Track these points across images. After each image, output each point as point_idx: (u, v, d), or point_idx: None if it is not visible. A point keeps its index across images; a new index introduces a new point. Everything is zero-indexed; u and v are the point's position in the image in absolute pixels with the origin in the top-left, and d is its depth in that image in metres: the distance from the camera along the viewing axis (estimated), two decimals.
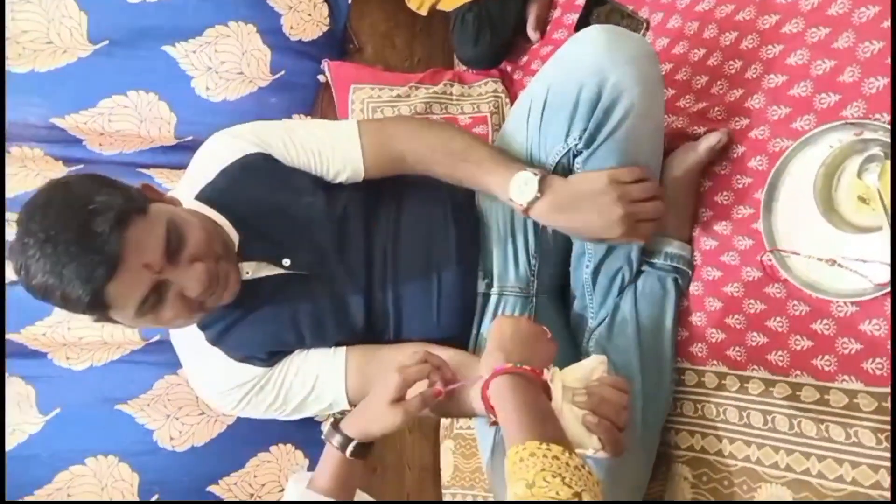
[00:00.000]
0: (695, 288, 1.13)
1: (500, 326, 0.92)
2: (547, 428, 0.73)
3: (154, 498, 1.37)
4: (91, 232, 0.86)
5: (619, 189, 1.02)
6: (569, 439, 0.82)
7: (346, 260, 1.11)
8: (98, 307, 0.91)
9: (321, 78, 1.67)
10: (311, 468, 1.51)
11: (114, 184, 0.96)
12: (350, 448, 0.90)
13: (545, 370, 0.87)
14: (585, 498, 0.60)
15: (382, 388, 0.92)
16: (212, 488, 1.42)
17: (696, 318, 1.12)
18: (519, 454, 0.66)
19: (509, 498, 0.63)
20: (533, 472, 0.63)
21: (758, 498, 1.02)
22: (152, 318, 0.96)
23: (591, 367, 0.90)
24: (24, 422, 1.31)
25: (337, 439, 0.91)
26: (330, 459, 0.92)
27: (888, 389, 0.89)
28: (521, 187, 1.04)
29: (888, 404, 0.88)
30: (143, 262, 0.90)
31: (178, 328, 1.10)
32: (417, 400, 0.90)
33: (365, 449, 0.92)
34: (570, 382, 0.87)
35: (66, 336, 1.37)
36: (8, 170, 1.37)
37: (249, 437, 1.46)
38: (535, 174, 1.03)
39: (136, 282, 0.91)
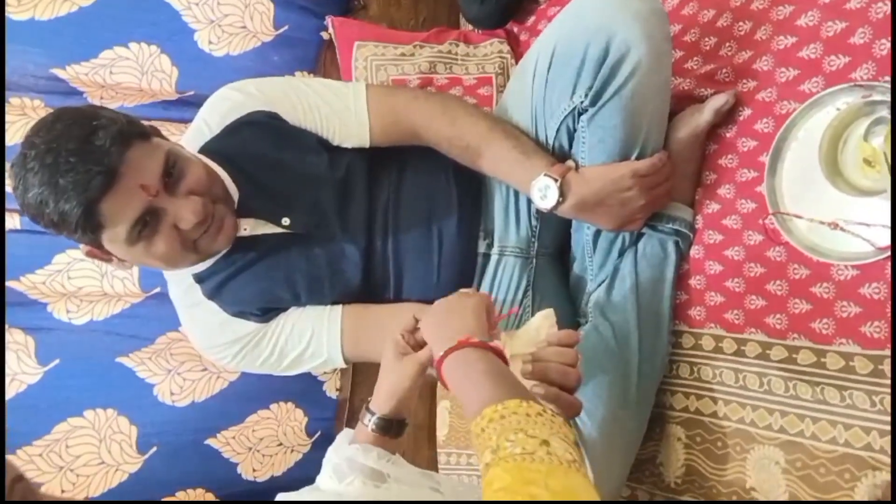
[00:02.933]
0: (695, 251, 1.13)
1: (430, 313, 0.90)
2: (497, 387, 0.70)
3: (153, 451, 1.38)
4: (92, 144, 0.88)
5: (640, 181, 1.04)
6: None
7: (347, 220, 1.11)
8: (90, 224, 0.90)
9: (324, 35, 1.65)
10: (311, 427, 1.53)
11: (124, 114, 0.97)
12: (374, 420, 0.86)
13: (494, 343, 0.83)
14: (554, 442, 0.58)
15: (386, 351, 0.91)
16: (210, 441, 1.43)
17: (696, 282, 1.12)
18: (479, 425, 0.63)
19: (480, 467, 0.60)
20: (495, 436, 0.60)
21: (750, 459, 1.03)
22: (143, 247, 0.96)
23: (537, 325, 0.88)
24: (23, 371, 1.32)
25: (367, 418, 0.88)
26: (362, 440, 0.88)
27: (885, 352, 0.89)
28: (542, 192, 1.05)
29: (884, 367, 0.89)
30: (139, 181, 0.91)
31: (171, 271, 1.10)
32: (427, 349, 0.88)
33: (399, 427, 0.88)
34: (519, 348, 0.86)
35: (65, 285, 1.37)
36: (7, 117, 1.36)
37: (251, 394, 1.47)
38: (556, 179, 1.04)
39: (131, 201, 0.91)
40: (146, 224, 0.94)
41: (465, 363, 0.77)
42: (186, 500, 1.41)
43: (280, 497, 0.81)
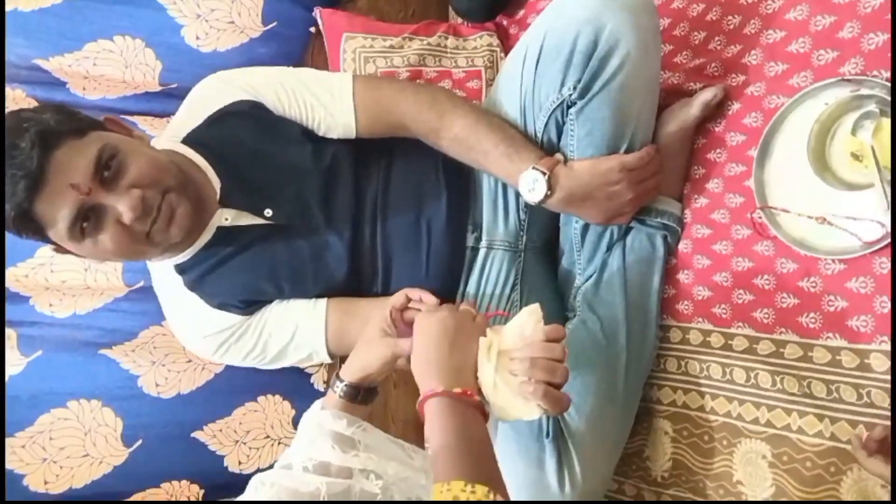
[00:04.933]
0: (683, 246, 1.13)
1: (425, 327, 0.88)
2: (476, 463, 0.70)
3: (138, 443, 1.37)
4: (17, 148, 0.88)
5: (629, 175, 1.04)
6: (509, 413, 0.82)
7: (331, 212, 1.10)
8: (30, 226, 0.92)
9: (312, 30, 1.64)
10: (298, 419, 1.52)
11: (67, 111, 0.97)
12: (341, 388, 0.89)
13: (481, 340, 0.85)
14: None
15: (372, 323, 0.93)
16: (196, 434, 1.42)
17: (684, 276, 1.13)
18: (443, 495, 0.64)
19: None
20: None
21: (737, 453, 1.03)
22: (91, 243, 0.95)
23: (524, 321, 0.88)
24: (5, 362, 1.30)
25: (337, 385, 0.90)
26: (331, 406, 0.90)
27: (871, 346, 0.89)
28: (530, 185, 1.05)
29: (870, 361, 0.89)
30: (69, 181, 0.90)
31: (126, 260, 1.14)
32: (408, 341, 0.89)
33: (367, 395, 0.91)
34: (506, 344, 0.86)
35: (48, 279, 1.35)
36: None
37: (237, 386, 1.45)
38: (544, 172, 1.04)
39: (62, 201, 0.91)
40: (88, 220, 0.93)
41: (453, 417, 0.76)
42: (172, 492, 1.40)
43: (257, 478, 0.81)
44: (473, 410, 0.79)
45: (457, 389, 0.78)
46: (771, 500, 0.98)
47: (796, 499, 0.95)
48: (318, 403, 0.91)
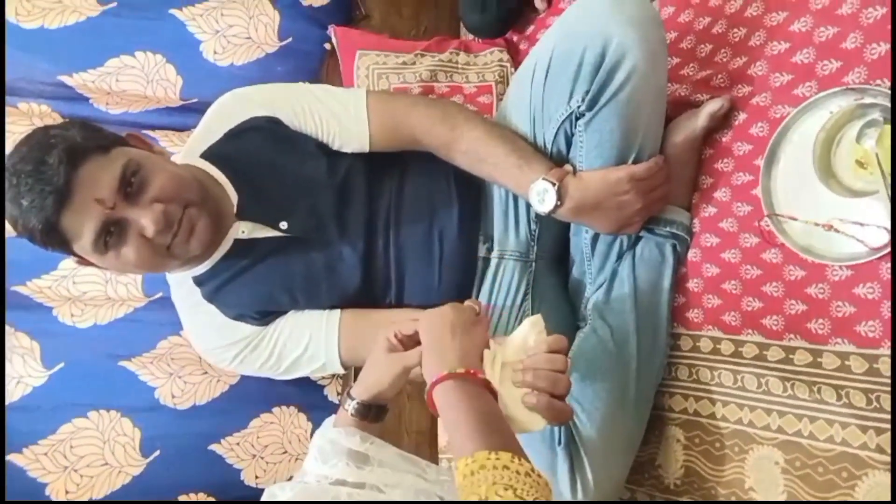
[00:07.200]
0: (693, 254, 1.14)
1: (427, 325, 0.89)
2: (493, 433, 0.71)
3: (156, 454, 1.39)
4: (45, 163, 0.91)
5: (637, 185, 1.05)
6: (515, 424, 0.83)
7: (345, 225, 1.13)
8: (55, 238, 0.95)
9: (327, 46, 1.68)
10: (314, 431, 1.54)
11: (91, 127, 1.00)
12: (353, 405, 0.89)
13: (485, 352, 0.85)
14: None
15: (379, 342, 0.93)
16: (214, 447, 1.44)
17: (693, 285, 1.14)
18: (469, 467, 0.65)
19: None
20: (485, 486, 0.62)
21: (748, 460, 1.03)
22: (114, 256, 0.98)
23: (526, 332, 0.89)
24: (29, 375, 1.33)
25: (348, 403, 0.91)
26: (343, 424, 0.91)
27: (879, 351, 0.90)
28: (540, 196, 1.07)
29: (879, 365, 0.90)
30: (94, 196, 0.93)
31: (147, 272, 1.18)
32: (416, 351, 0.90)
33: (378, 413, 0.91)
34: (509, 355, 0.87)
35: (70, 290, 1.38)
36: (15, 126, 1.38)
37: (251, 397, 1.48)
38: (553, 183, 1.05)
39: (88, 215, 0.94)
40: (111, 234, 0.96)
41: (463, 396, 0.77)
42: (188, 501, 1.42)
43: (274, 487, 0.82)
44: (481, 388, 0.79)
45: (460, 370, 0.79)
46: (771, 500, 0.99)
47: None
48: (329, 421, 0.91)
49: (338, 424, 0.89)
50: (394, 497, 0.79)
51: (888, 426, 0.88)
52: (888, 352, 0.89)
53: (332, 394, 1.57)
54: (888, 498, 0.87)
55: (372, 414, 0.90)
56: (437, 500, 0.83)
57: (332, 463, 0.83)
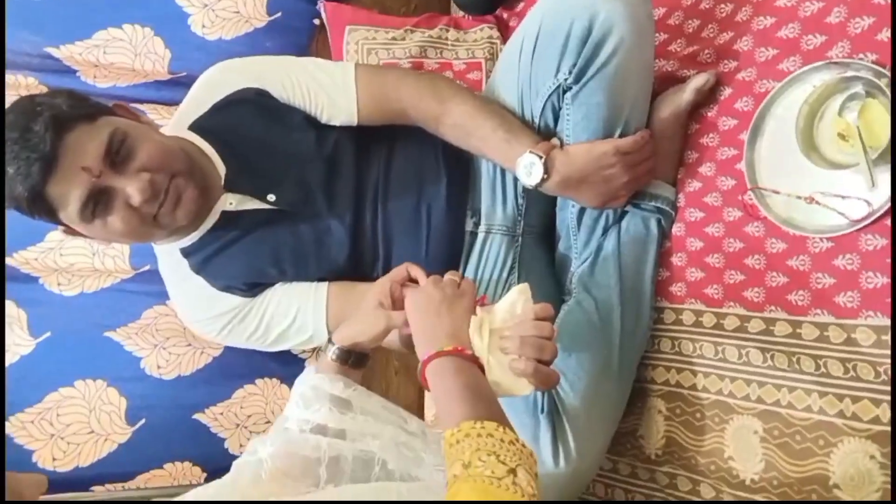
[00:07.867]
0: (677, 229, 1.16)
1: (412, 304, 0.91)
2: (479, 404, 0.73)
3: (141, 422, 1.40)
4: (31, 131, 0.90)
5: (623, 158, 1.06)
6: (502, 389, 0.85)
7: (333, 197, 1.13)
8: (41, 206, 0.94)
9: (316, 21, 1.67)
10: None
11: (78, 96, 0.99)
12: (333, 350, 0.92)
13: (473, 319, 0.87)
14: (520, 473, 0.62)
15: (371, 294, 0.95)
16: (198, 416, 1.45)
17: (677, 259, 1.15)
18: (455, 436, 0.66)
19: (448, 479, 0.63)
20: (468, 452, 0.64)
21: (728, 429, 1.05)
22: (101, 225, 0.98)
23: (513, 300, 0.90)
24: (16, 343, 1.34)
25: (329, 348, 0.93)
26: (326, 369, 0.93)
27: (857, 321, 0.92)
28: (527, 169, 1.07)
29: (856, 335, 0.91)
30: (80, 164, 0.93)
31: (133, 242, 1.17)
32: (401, 314, 0.92)
33: (359, 359, 0.94)
34: (498, 323, 0.88)
35: (57, 262, 1.38)
36: None
37: (235, 369, 1.49)
38: (540, 156, 1.06)
39: (74, 183, 0.93)
40: (98, 203, 0.96)
41: (451, 372, 0.79)
42: (175, 473, 1.42)
43: (256, 440, 0.83)
44: (469, 364, 0.81)
45: (448, 347, 0.81)
46: (784, 500, 0.99)
47: (786, 472, 0.97)
48: (311, 367, 0.93)
49: (320, 371, 0.91)
50: (372, 448, 0.81)
51: (864, 395, 0.90)
52: (866, 322, 0.91)
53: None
54: (863, 463, 0.89)
55: (352, 360, 0.93)
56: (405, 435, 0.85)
57: (314, 408, 0.84)
